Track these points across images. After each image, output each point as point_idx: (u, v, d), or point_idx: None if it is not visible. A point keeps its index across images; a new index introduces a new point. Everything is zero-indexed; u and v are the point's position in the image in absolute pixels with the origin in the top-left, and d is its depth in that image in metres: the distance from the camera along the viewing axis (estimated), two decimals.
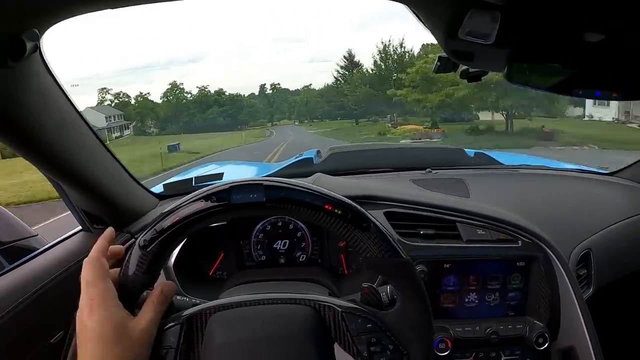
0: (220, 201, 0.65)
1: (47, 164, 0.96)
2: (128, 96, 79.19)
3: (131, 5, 0.72)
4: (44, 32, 0.73)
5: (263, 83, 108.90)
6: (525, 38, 0.77)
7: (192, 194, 0.67)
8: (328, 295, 0.94)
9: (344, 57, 60.90)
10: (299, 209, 0.66)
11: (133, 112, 72.27)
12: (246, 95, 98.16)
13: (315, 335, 0.68)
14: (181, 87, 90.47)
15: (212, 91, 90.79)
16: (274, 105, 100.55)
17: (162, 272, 1.19)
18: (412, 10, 0.78)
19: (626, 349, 1.73)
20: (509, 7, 0.64)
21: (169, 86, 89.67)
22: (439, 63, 1.02)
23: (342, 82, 57.82)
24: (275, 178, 0.67)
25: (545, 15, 0.72)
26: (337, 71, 61.55)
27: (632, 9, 0.66)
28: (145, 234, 0.66)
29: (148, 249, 0.65)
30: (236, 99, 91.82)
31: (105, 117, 55.11)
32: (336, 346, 0.71)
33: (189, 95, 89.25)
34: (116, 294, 0.66)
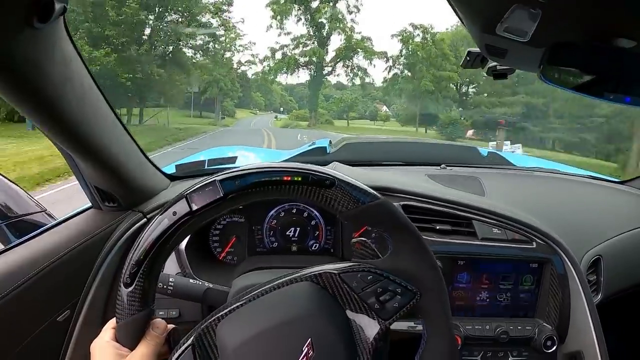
0: (182, 212, 0.63)
1: (65, 136, 0.93)
2: None
3: None
4: None
5: None
6: (561, 40, 0.77)
7: (155, 218, 0.65)
8: None
9: None
10: (261, 189, 0.65)
11: None
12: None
13: (322, 306, 0.68)
14: None
15: None
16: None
17: (173, 254, 1.19)
18: (450, 2, 0.78)
19: (631, 357, 1.73)
20: (550, 6, 0.63)
21: None
22: (468, 58, 1.02)
23: None
24: (228, 170, 0.66)
25: (582, 15, 0.72)
26: None
27: None
28: (125, 271, 0.64)
29: (134, 285, 0.64)
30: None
31: None
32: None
33: None
34: (113, 341, 0.67)
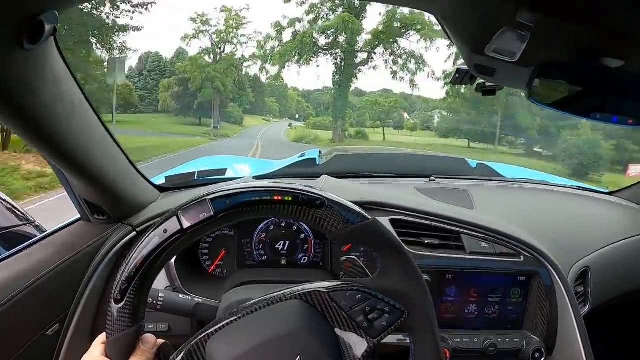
0: (173, 230, 0.64)
1: (55, 152, 0.93)
2: None
3: None
4: (62, 14, 0.70)
5: None
6: (549, 60, 0.78)
7: (147, 233, 0.65)
8: None
9: None
10: (252, 209, 0.66)
11: None
12: None
13: (311, 324, 0.68)
14: None
15: None
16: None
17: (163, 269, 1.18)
18: (440, 22, 0.79)
19: None
20: (539, 28, 0.65)
21: None
22: (457, 75, 1.03)
23: None
24: (219, 188, 0.66)
25: (570, 37, 0.73)
26: None
27: None
28: (116, 287, 0.64)
29: (124, 301, 0.64)
30: None
31: None
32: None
33: None
34: (102, 356, 0.66)
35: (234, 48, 34.81)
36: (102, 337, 0.69)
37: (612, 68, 0.75)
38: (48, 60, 0.78)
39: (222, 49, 34.66)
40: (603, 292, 1.45)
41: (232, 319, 0.68)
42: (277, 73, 32.03)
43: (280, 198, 0.66)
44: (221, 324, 0.67)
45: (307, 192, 0.67)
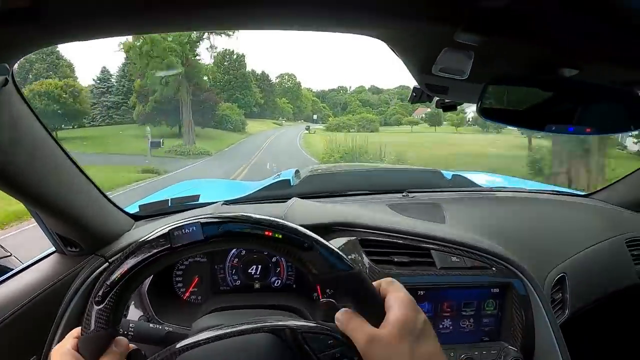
0: (162, 246, 0.64)
1: (19, 192, 0.94)
2: None
3: (101, 38, 0.71)
4: (13, 65, 0.71)
5: None
6: (499, 73, 0.78)
7: (136, 243, 0.66)
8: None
9: None
10: (241, 239, 0.66)
11: None
12: None
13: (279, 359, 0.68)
14: None
15: None
16: None
17: (135, 298, 1.17)
18: (389, 46, 0.79)
19: None
20: (482, 47, 0.65)
21: None
22: (414, 94, 1.04)
23: None
24: (214, 214, 0.67)
25: (519, 51, 0.73)
26: None
27: (605, 47, 0.67)
28: (98, 289, 0.64)
29: (104, 304, 0.64)
30: None
31: None
32: None
33: None
34: (74, 351, 0.66)
35: None
36: (76, 331, 0.69)
37: (564, 78, 0.75)
38: (5, 106, 0.79)
39: None
40: (582, 296, 1.45)
41: (204, 338, 0.68)
42: None
43: (270, 234, 0.66)
44: (193, 341, 0.68)
45: (298, 232, 0.67)
